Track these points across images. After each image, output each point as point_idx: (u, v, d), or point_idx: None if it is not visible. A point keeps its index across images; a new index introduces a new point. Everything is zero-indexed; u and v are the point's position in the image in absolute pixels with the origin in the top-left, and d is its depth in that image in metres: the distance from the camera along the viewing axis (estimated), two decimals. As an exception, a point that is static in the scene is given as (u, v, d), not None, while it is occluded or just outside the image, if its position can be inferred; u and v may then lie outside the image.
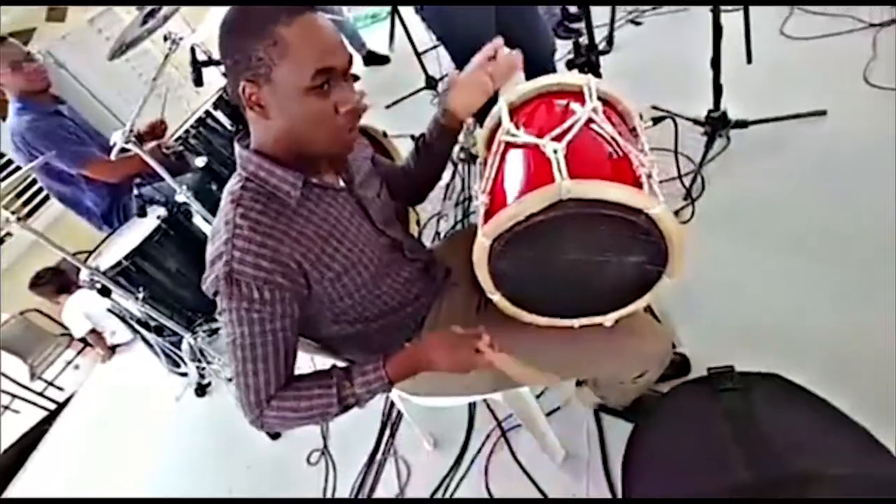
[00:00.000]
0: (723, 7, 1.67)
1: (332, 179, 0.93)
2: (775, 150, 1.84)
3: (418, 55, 3.18)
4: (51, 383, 3.52)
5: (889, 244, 1.41)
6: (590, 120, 0.84)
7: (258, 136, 0.86)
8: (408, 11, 3.28)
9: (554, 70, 2.01)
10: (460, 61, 2.03)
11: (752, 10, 1.83)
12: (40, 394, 3.40)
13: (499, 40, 1.03)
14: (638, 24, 2.93)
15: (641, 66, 2.57)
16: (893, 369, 1.18)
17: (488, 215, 0.84)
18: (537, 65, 1.97)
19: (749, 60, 1.82)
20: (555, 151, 0.77)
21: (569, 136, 0.80)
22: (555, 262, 0.84)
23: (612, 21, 2.76)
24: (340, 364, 0.92)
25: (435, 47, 3.38)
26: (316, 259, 0.85)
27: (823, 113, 1.84)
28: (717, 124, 1.92)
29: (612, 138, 0.83)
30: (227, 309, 0.81)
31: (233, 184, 0.87)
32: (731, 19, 1.79)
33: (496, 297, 0.92)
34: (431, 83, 3.24)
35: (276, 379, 0.84)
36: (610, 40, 2.80)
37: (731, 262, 1.60)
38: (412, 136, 3.02)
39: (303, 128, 0.81)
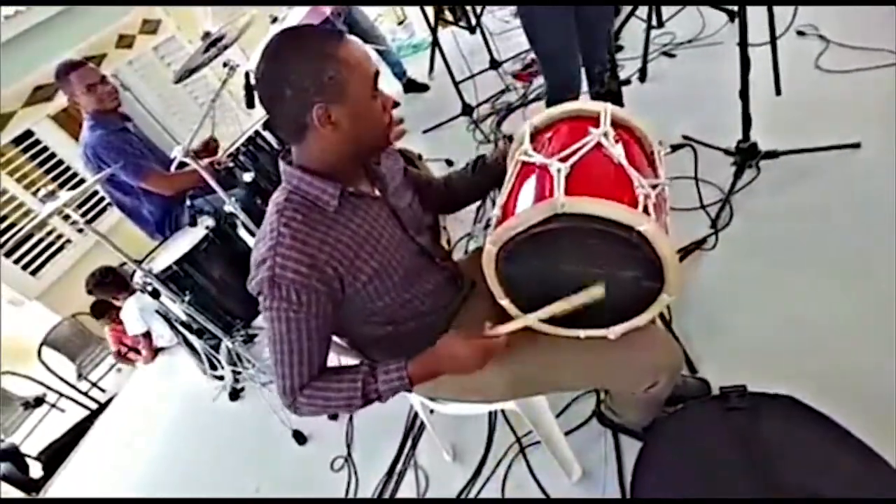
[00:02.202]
0: (753, 42, 1.71)
1: (367, 189, 1.02)
2: (806, 182, 1.83)
3: (456, 84, 3.30)
4: (95, 384, 3.71)
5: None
6: (599, 144, 0.91)
7: (307, 156, 0.94)
8: (447, 41, 3.44)
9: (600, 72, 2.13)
10: (541, 62, 2.12)
11: (788, 44, 1.87)
12: (85, 393, 3.59)
13: None
14: (672, 56, 2.98)
15: (674, 97, 2.61)
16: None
17: (498, 226, 0.91)
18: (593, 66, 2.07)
19: (778, 92, 1.84)
20: (558, 171, 0.85)
21: (574, 158, 0.88)
22: (556, 272, 0.90)
23: (646, 53, 2.82)
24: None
25: (472, 76, 3.52)
26: (350, 264, 0.94)
27: (857, 145, 1.84)
28: (746, 154, 1.94)
29: (618, 161, 0.89)
30: (268, 308, 0.91)
31: (278, 195, 0.97)
32: (765, 52, 1.83)
33: (505, 303, 0.98)
34: (467, 111, 3.35)
35: (308, 370, 0.93)
36: (643, 71, 2.86)
37: (756, 289, 1.60)
38: (447, 161, 3.14)
39: (366, 130, 0.91)
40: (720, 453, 0.89)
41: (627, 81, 2.69)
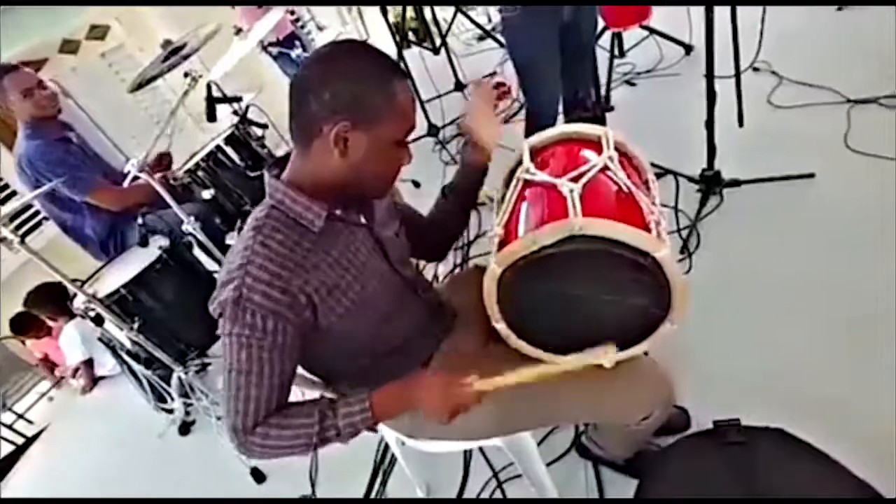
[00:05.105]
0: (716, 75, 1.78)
1: (355, 216, 0.96)
2: (767, 209, 1.90)
3: (422, 103, 3.27)
4: (21, 416, 3.38)
5: (879, 294, 1.47)
6: (605, 167, 0.89)
7: (303, 169, 0.88)
8: (413, 61, 3.41)
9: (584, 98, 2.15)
10: (521, 73, 2.05)
11: (744, 79, 1.96)
12: (9, 427, 3.25)
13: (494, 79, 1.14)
14: (633, 84, 3.08)
15: (637, 126, 2.64)
16: (890, 422, 1.20)
17: (502, 245, 0.87)
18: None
19: (741, 124, 1.92)
20: (571, 191, 0.82)
21: (584, 179, 0.85)
22: (561, 297, 0.87)
23: (609, 81, 2.89)
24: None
25: (439, 96, 3.51)
26: (327, 293, 0.87)
27: (812, 175, 1.93)
28: (711, 182, 2.01)
29: (626, 185, 0.87)
30: (228, 333, 0.82)
31: (258, 210, 0.89)
32: (721, 85, 1.90)
33: (500, 326, 0.94)
34: (433, 131, 3.33)
35: (265, 406, 0.84)
36: (607, 99, 2.92)
37: (725, 316, 1.62)
38: (413, 182, 3.09)
39: (371, 171, 0.86)
40: (721, 492, 0.86)
41: (612, 108, 2.73)
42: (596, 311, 0.88)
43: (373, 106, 0.81)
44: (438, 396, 0.84)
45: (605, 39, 2.86)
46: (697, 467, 0.91)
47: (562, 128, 0.99)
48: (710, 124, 1.89)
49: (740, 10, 1.77)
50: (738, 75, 1.85)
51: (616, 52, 3.19)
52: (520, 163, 0.97)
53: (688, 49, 3.04)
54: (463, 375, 0.85)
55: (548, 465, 1.42)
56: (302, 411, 0.86)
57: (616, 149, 0.93)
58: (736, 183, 2.00)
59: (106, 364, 2.90)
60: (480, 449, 1.58)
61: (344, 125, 0.80)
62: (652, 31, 3.15)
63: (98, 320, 1.77)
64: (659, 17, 2.90)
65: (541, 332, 0.93)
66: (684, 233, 1.93)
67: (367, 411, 0.84)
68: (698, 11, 1.74)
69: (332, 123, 0.80)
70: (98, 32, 4.17)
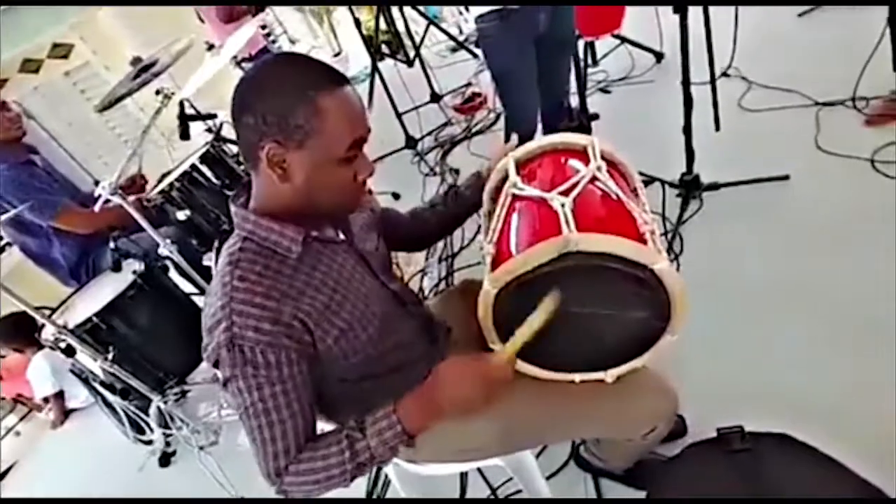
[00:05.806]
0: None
1: (332, 233, 0.92)
2: (746, 211, 1.93)
3: (399, 115, 3.25)
4: (-14, 453, 3.20)
5: (864, 292, 1.50)
6: (594, 177, 0.87)
7: (262, 195, 0.84)
8: (387, 72, 3.40)
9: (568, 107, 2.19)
10: (498, 81, 2.04)
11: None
12: (-28, 465, 3.08)
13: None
14: (607, 92, 3.12)
15: (614, 132, 2.69)
16: (890, 422, 1.20)
17: (495, 265, 0.85)
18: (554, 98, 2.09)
19: (718, 128, 1.95)
20: (562, 205, 0.80)
21: (575, 192, 0.82)
22: (559, 315, 0.84)
23: (584, 89, 2.91)
24: None
25: (415, 108, 3.50)
26: (319, 316, 0.83)
27: (787, 177, 1.97)
28: (690, 187, 2.03)
29: (617, 195, 0.86)
30: (231, 377, 0.77)
31: (230, 244, 0.84)
32: (695, 91, 1.93)
33: (497, 347, 0.91)
34: (411, 143, 3.31)
35: (294, 442, 0.79)
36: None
37: (712, 319, 1.61)
38: (393, 194, 3.05)
39: (322, 193, 0.81)
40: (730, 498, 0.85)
41: (596, 116, 2.75)
42: (595, 327, 0.86)
43: (297, 123, 0.74)
44: (468, 380, 0.79)
45: (578, 48, 2.90)
46: (705, 475, 0.90)
47: (547, 138, 0.97)
48: (687, 129, 1.92)
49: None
50: (713, 80, 1.89)
51: (589, 60, 3.24)
52: (506, 177, 0.95)
53: (659, 57, 3.10)
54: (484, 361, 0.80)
55: (547, 478, 1.40)
56: (330, 439, 0.81)
57: (603, 158, 0.91)
58: (715, 186, 2.03)
59: (78, 396, 2.77)
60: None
61: (272, 147, 0.75)
62: (623, 39, 3.20)
63: (69, 351, 1.68)
64: (629, 25, 2.95)
65: (539, 350, 0.90)
66: (667, 237, 1.94)
67: (397, 424, 0.79)
68: (668, 20, 1.77)
69: (262, 146, 0.76)
70: (61, 51, 4.05)
